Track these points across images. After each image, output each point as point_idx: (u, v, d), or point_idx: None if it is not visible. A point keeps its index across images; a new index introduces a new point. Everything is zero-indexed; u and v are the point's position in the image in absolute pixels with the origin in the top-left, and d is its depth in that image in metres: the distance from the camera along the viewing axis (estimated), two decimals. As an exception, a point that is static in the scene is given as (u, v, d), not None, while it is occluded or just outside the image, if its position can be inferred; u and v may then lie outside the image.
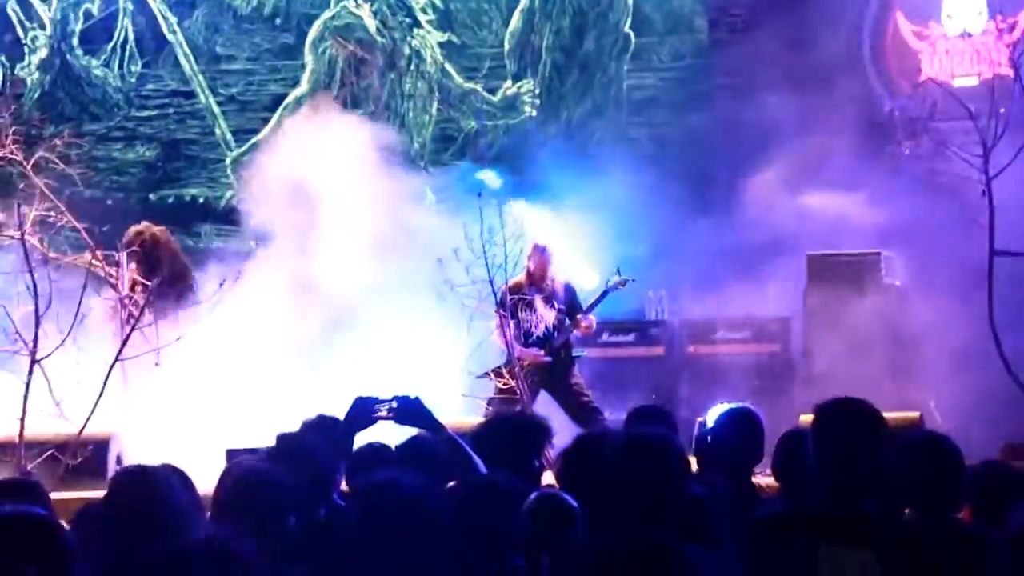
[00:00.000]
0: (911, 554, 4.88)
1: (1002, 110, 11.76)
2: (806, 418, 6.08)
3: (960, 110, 11.99)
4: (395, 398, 7.00)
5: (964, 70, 12.60)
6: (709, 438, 7.15)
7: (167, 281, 13.11)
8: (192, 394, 12.89)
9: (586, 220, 14.59)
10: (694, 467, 7.03)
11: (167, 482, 5.47)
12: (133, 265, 13.07)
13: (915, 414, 11.62)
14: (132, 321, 12.66)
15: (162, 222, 15.56)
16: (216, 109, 16.92)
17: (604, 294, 13.35)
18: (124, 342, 12.48)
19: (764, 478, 6.87)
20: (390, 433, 7.05)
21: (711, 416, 7.30)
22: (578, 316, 13.23)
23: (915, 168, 13.14)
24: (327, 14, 16.81)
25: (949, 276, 12.76)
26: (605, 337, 14.35)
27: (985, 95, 11.99)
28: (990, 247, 11.82)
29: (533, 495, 6.13)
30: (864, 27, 14.83)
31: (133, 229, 13.66)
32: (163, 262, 13.36)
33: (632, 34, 16.11)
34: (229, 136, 16.90)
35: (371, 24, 16.73)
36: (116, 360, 12.35)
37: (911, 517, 5.53)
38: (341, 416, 7.06)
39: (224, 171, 16.86)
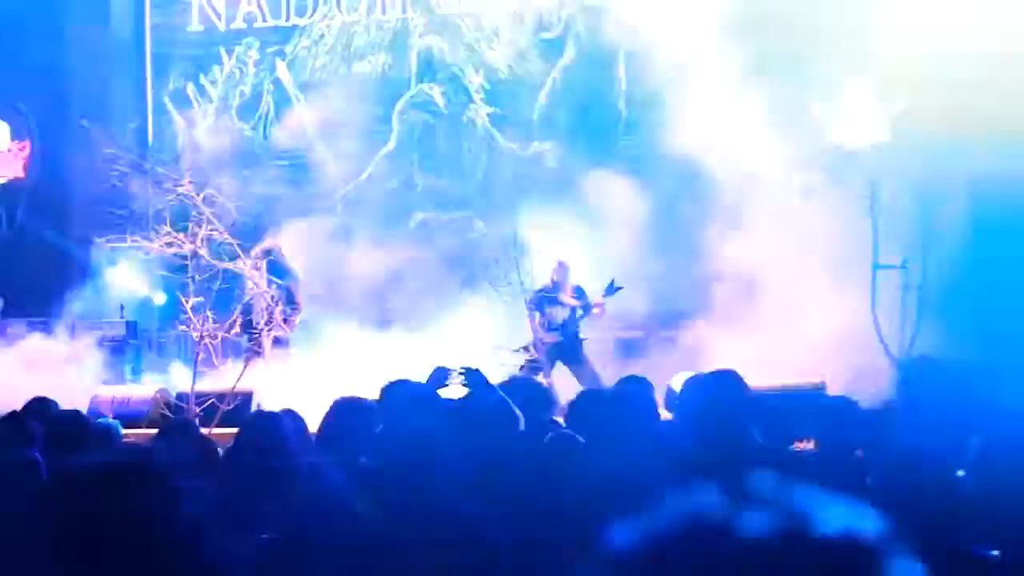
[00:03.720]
0: (807, 475, 4.95)
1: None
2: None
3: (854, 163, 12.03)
4: (463, 368, 7.08)
5: (857, 135, 12.57)
6: (675, 397, 7.21)
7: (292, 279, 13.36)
8: (312, 363, 13.03)
9: (591, 241, 14.64)
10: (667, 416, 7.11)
11: (283, 421, 5.56)
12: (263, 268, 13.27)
13: (817, 379, 11.64)
14: (270, 308, 12.83)
15: (292, 239, 15.72)
16: (330, 159, 16.94)
17: (607, 293, 13.44)
18: (267, 323, 12.63)
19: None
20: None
21: (676, 381, 7.37)
22: (593, 306, 13.37)
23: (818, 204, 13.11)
24: (409, 93, 16.84)
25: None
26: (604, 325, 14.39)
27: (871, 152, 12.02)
28: (874, 260, 11.86)
29: (549, 433, 6.24)
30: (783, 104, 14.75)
31: (266, 243, 13.87)
32: (285, 267, 13.59)
33: (624, 110, 16.12)
34: (339, 180, 16.93)
35: (440, 101, 16.78)
36: (259, 334, 12.51)
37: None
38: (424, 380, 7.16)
39: (334, 204, 16.89)
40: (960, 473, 3.44)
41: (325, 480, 4.68)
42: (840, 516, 1.36)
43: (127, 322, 15.24)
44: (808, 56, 13.60)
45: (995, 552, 3.12)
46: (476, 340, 13.48)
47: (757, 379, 11.23)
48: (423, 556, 4.33)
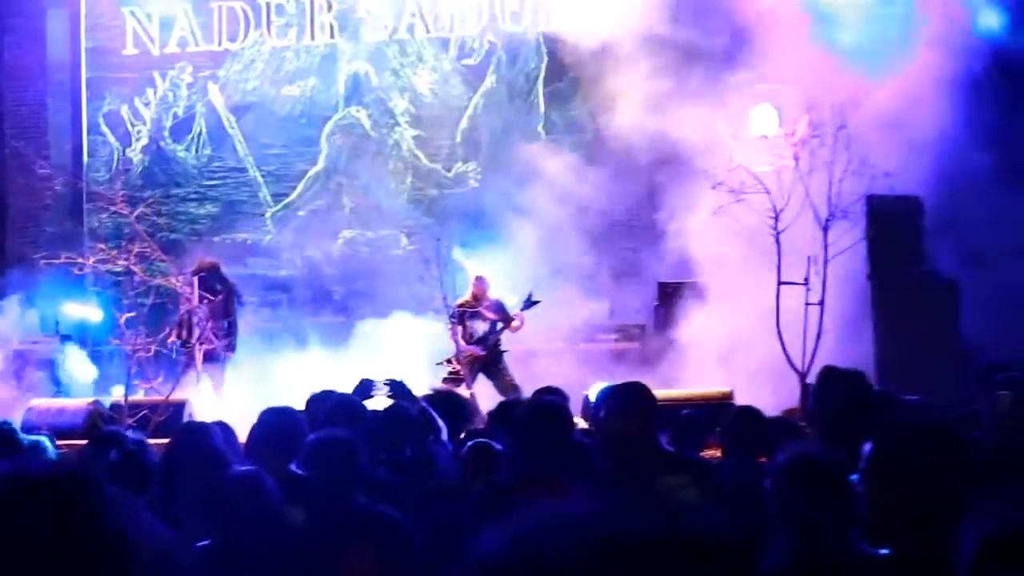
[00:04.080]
0: (712, 479, 5.02)
1: (786, 187, 11.94)
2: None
3: (759, 186, 12.17)
4: (388, 380, 7.08)
5: (763, 160, 12.71)
6: (591, 406, 7.26)
7: (223, 294, 13.25)
8: (241, 376, 12.95)
9: (509, 258, 14.70)
10: (583, 425, 7.14)
11: (213, 431, 5.52)
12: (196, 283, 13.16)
13: (727, 390, 11.73)
14: (201, 325, 12.73)
15: (223, 256, 15.67)
16: (260, 180, 16.91)
17: (524, 306, 13.48)
18: (198, 339, 12.54)
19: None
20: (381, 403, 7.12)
21: (592, 390, 7.41)
22: (511, 319, 13.40)
23: (730, 224, 13.24)
24: (337, 116, 16.82)
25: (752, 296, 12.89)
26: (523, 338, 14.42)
27: (775, 177, 12.15)
28: (778, 278, 11.99)
29: (470, 442, 6.25)
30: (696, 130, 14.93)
31: (198, 260, 13.77)
32: (219, 281, 13.50)
33: (543, 133, 16.20)
34: (269, 198, 16.89)
35: (367, 123, 16.78)
36: (192, 348, 12.41)
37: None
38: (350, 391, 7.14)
39: (265, 222, 16.85)
40: (853, 478, 3.50)
41: (255, 488, 4.65)
42: (717, 518, 1.37)
43: (61, 336, 15.05)
44: (717, 84, 13.79)
45: (884, 551, 3.18)
46: (401, 353, 13.51)
47: (670, 388, 11.45)
48: (350, 560, 4.33)
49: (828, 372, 5.34)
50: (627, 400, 5.47)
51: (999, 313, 12.44)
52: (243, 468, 4.86)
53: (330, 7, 16.77)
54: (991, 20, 13.24)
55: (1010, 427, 5.71)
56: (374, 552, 4.35)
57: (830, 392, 5.14)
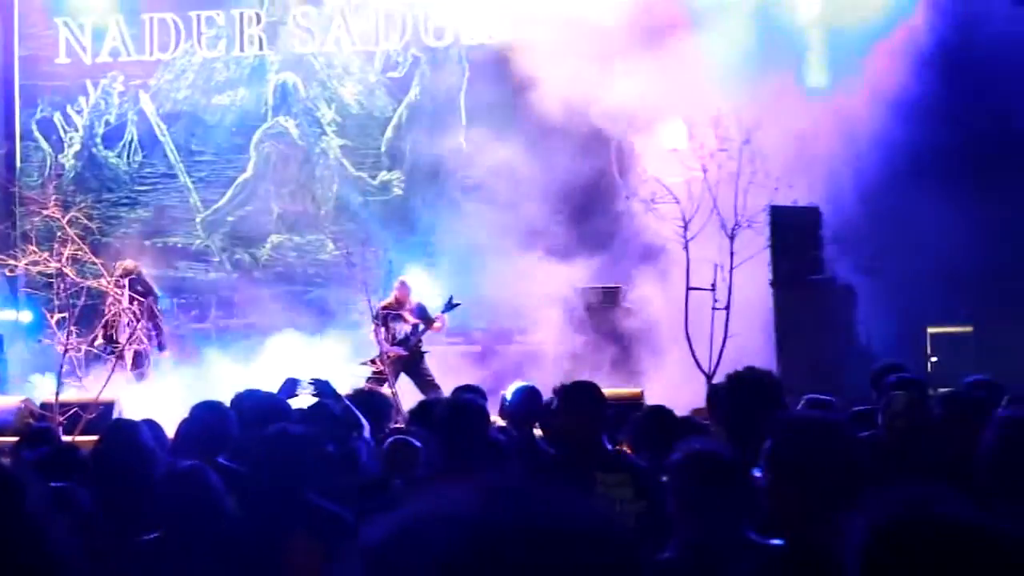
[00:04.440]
0: (646, 480, 5.07)
1: (695, 197, 12.04)
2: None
3: (669, 197, 12.27)
4: (312, 379, 7.04)
5: (673, 172, 12.80)
6: (507, 405, 7.27)
7: (151, 295, 13.16)
8: (170, 376, 12.82)
9: (432, 262, 14.71)
10: (500, 423, 7.16)
11: (141, 428, 5.47)
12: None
13: (637, 390, 11.79)
14: (131, 324, 12.61)
15: (153, 260, 15.53)
16: (191, 185, 16.76)
17: (445, 309, 13.49)
18: (129, 338, 12.40)
19: (538, 430, 7.00)
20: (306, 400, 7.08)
21: (509, 390, 7.42)
22: (433, 321, 13.40)
23: (641, 234, 13.36)
24: (265, 125, 16.71)
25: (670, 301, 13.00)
26: (445, 340, 14.44)
27: (684, 188, 12.25)
28: (687, 284, 12.10)
29: (391, 439, 6.24)
30: (611, 144, 15.04)
31: (121, 263, 13.66)
32: (140, 283, 13.42)
33: (464, 144, 16.20)
34: (199, 204, 16.75)
35: (294, 132, 16.70)
36: (121, 348, 12.27)
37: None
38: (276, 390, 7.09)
39: (195, 226, 16.71)
40: (756, 473, 3.54)
41: (200, 481, 4.62)
42: (601, 512, 1.37)
43: (-7, 336, 14.82)
44: (630, 100, 13.88)
45: (777, 542, 3.23)
46: (326, 353, 13.47)
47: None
48: (294, 553, 4.31)
49: (739, 374, 5.40)
50: (577, 398, 5.53)
51: (895, 317, 12.68)
52: (187, 463, 4.82)
53: (259, 20, 16.67)
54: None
55: (901, 426, 5.80)
56: (317, 545, 4.35)
57: (739, 393, 5.19)
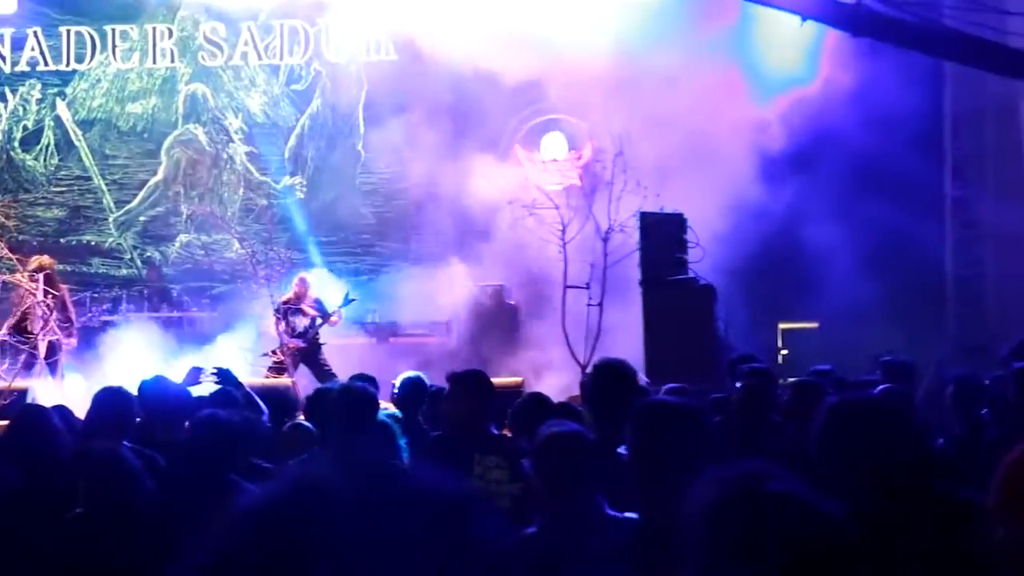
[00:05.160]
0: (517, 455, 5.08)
1: (572, 203, 12.16)
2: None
3: (549, 203, 12.36)
4: (215, 368, 6.96)
5: (553, 180, 12.89)
6: (396, 392, 7.26)
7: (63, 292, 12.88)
8: (81, 366, 12.57)
9: (330, 261, 14.61)
10: (392, 410, 7.13)
11: (50, 413, 5.38)
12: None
13: (519, 379, 11.84)
14: (45, 316, 12.35)
15: (68, 256, 15.21)
16: (104, 187, 16.45)
17: (342, 304, 13.40)
18: (42, 329, 12.14)
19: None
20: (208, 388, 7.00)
21: (398, 380, 7.40)
22: (330, 315, 13.29)
23: (523, 236, 13.41)
24: (176, 132, 16.47)
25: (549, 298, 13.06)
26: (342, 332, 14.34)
27: (563, 195, 12.36)
28: (564, 282, 12.19)
29: (288, 424, 6.20)
30: (496, 152, 15.08)
31: (35, 259, 13.33)
32: (56, 279, 13.18)
33: (363, 152, 16.14)
34: (112, 204, 16.45)
35: (203, 139, 16.47)
36: (35, 339, 12.01)
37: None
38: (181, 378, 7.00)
39: (108, 226, 16.40)
40: (622, 451, 3.58)
41: (118, 460, 4.54)
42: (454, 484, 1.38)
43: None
44: (513, 114, 13.95)
45: (632, 515, 3.27)
46: (230, 344, 13.31)
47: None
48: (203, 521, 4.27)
49: (600, 363, 5.45)
50: (467, 384, 5.55)
51: (750, 314, 12.94)
52: (104, 443, 4.75)
53: (171, 35, 16.41)
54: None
55: (746, 411, 5.91)
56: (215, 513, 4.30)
57: (602, 379, 5.25)
